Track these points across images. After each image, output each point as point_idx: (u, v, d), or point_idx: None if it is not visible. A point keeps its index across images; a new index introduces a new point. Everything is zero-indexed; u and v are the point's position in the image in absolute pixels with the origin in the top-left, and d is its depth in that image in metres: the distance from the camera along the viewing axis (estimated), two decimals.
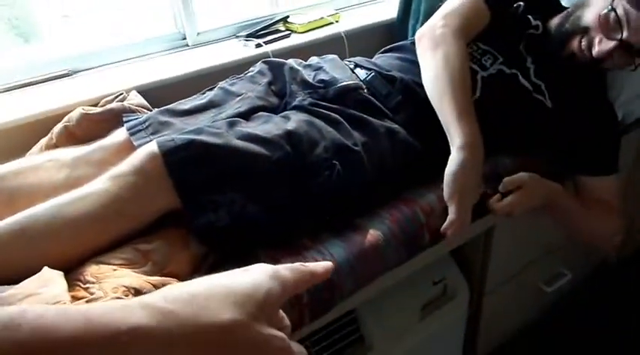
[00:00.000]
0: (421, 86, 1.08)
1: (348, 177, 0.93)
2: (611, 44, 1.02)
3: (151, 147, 0.85)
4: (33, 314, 0.26)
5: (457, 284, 1.27)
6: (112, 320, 0.28)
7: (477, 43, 1.17)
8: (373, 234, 0.92)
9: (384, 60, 1.23)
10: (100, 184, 0.83)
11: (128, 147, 1.00)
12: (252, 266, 0.39)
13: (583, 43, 1.07)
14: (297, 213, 0.91)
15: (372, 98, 1.08)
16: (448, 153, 1.00)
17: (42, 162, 1.00)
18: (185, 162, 0.83)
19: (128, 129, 1.02)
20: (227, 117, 1.02)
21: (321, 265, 0.42)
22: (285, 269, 0.39)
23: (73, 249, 0.80)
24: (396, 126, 1.05)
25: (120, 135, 1.03)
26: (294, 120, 0.95)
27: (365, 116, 1.04)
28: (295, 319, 0.84)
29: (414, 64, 1.14)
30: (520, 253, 1.34)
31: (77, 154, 1.01)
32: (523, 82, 1.13)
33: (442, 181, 0.96)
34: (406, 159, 1.03)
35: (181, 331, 0.30)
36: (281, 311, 0.39)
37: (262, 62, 1.18)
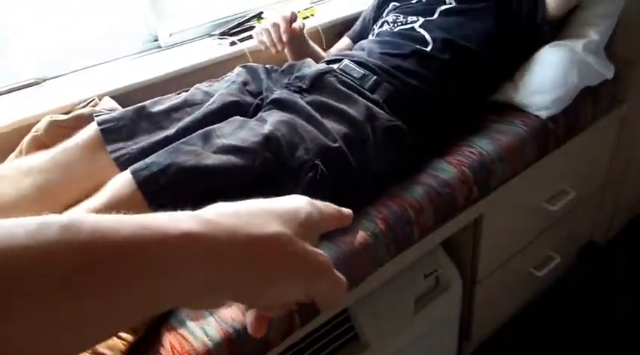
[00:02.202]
0: (396, 67, 1.10)
1: (333, 175, 0.91)
2: None
3: (126, 177, 0.82)
4: (90, 218, 0.27)
5: (449, 274, 1.26)
6: (165, 226, 0.28)
7: None
8: (362, 234, 0.91)
9: (359, 47, 1.25)
10: None
11: (96, 146, 0.97)
12: (289, 195, 0.39)
13: None
14: None
15: (347, 79, 1.08)
16: (432, 129, 1.05)
17: (7, 170, 0.97)
18: (163, 190, 0.80)
19: (99, 123, 0.98)
20: (200, 115, 1.00)
21: (344, 209, 0.43)
22: (319, 202, 0.40)
23: None
24: (375, 106, 1.04)
25: (87, 133, 1.00)
26: (270, 123, 0.92)
27: (345, 91, 1.04)
28: (285, 324, 0.81)
29: (390, 44, 1.16)
30: (509, 240, 1.34)
31: (42, 158, 0.98)
32: None
33: (427, 169, 0.95)
34: (389, 142, 1.02)
35: (229, 240, 0.30)
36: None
37: (240, 66, 1.17)
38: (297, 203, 0.37)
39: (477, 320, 1.39)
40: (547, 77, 1.18)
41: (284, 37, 1.15)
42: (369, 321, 1.09)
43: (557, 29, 1.22)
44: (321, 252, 0.35)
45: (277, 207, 0.35)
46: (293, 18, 1.19)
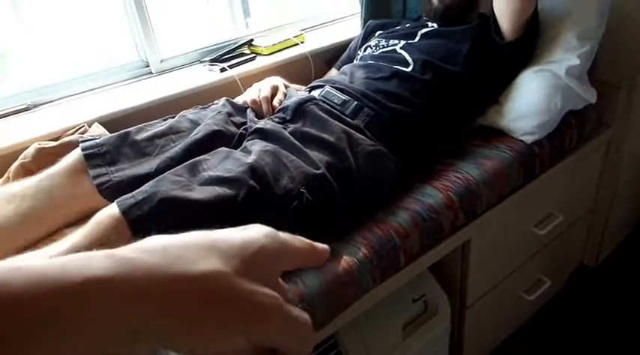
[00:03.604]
0: (378, 90, 1.12)
1: (318, 202, 0.92)
2: None
3: (111, 205, 0.83)
4: None
5: (438, 299, 1.25)
6: (67, 272, 0.25)
7: None
8: (347, 260, 0.91)
9: (342, 72, 1.27)
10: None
11: (79, 171, 0.98)
12: (251, 225, 0.34)
13: None
14: None
15: (328, 106, 1.10)
16: (414, 154, 1.08)
17: None
18: (147, 219, 0.80)
19: (83, 149, 1.00)
20: (185, 146, 1.01)
21: (319, 244, 0.37)
22: (286, 234, 0.35)
23: None
24: (357, 132, 1.05)
25: (70, 158, 1.01)
26: (255, 153, 0.93)
27: (326, 118, 1.05)
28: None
29: (372, 67, 1.19)
30: (498, 264, 1.34)
31: (26, 185, 0.99)
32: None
33: (413, 194, 0.98)
34: (372, 167, 1.03)
35: (148, 281, 0.26)
36: (281, 281, 0.34)
37: (225, 99, 1.18)
38: (251, 235, 0.32)
39: (467, 345, 1.38)
40: (531, 102, 1.20)
41: (266, 115, 1.16)
42: (357, 347, 1.08)
43: (523, 51, 1.24)
44: (268, 291, 0.30)
45: (220, 240, 0.31)
46: (274, 94, 1.20)
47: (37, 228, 0.97)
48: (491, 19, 1.21)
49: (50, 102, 1.35)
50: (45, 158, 1.06)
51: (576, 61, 1.21)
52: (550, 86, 1.20)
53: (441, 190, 1.08)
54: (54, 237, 0.95)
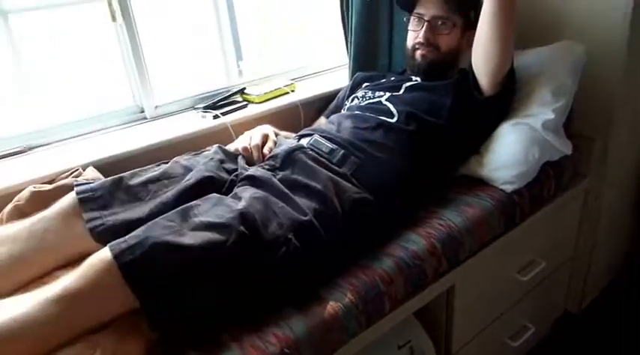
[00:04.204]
0: (364, 140, 1.18)
1: (306, 248, 0.94)
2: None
3: (103, 249, 0.85)
4: None
5: (423, 345, 1.26)
6: None
7: None
8: (333, 305, 0.93)
9: (330, 121, 1.33)
10: (52, 307, 0.80)
11: (73, 215, 1.01)
12: None
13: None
14: (257, 292, 0.91)
15: (316, 154, 1.15)
16: (398, 202, 1.12)
17: None
18: (139, 263, 0.82)
19: (77, 193, 1.02)
20: (177, 191, 1.04)
21: None
22: None
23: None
24: (343, 179, 1.10)
25: (64, 202, 1.03)
26: (245, 199, 0.97)
27: (314, 166, 1.10)
28: None
29: (358, 117, 1.25)
30: (483, 309, 1.36)
31: (18, 227, 1.01)
32: None
33: (397, 240, 1.06)
34: (357, 214, 1.06)
35: None
36: None
37: (217, 146, 1.22)
38: None
39: None
40: (509, 153, 1.26)
41: (256, 162, 1.20)
42: None
43: (501, 105, 1.31)
44: None
45: None
46: (264, 142, 1.25)
47: (28, 270, 0.98)
48: (470, 74, 1.28)
49: (45, 145, 1.38)
50: (39, 201, 1.09)
51: (551, 115, 1.28)
52: (527, 139, 1.26)
53: (424, 237, 1.12)
54: (45, 280, 0.96)
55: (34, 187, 1.12)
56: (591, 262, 1.69)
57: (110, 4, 1.35)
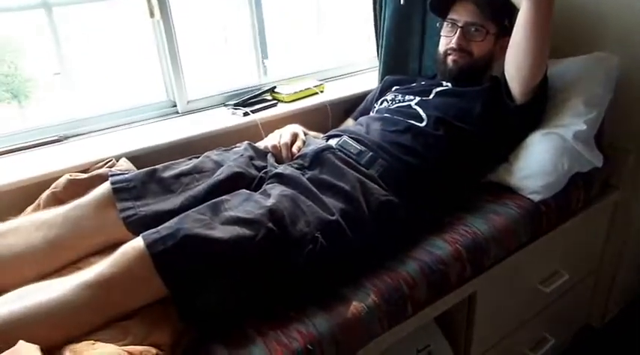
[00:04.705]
0: (392, 143, 1.18)
1: (332, 247, 0.96)
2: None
3: (136, 239, 0.87)
4: None
5: (442, 351, 1.26)
6: None
7: None
8: (357, 306, 0.94)
9: (359, 123, 1.34)
10: (86, 291, 0.83)
11: (107, 204, 1.04)
12: None
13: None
14: (284, 288, 0.92)
15: (345, 155, 1.16)
16: (425, 205, 1.12)
17: (21, 222, 1.03)
18: (170, 253, 0.84)
19: (112, 183, 1.05)
20: (208, 186, 1.06)
21: None
22: None
23: (56, 337, 0.81)
24: (371, 181, 1.10)
25: (99, 191, 1.07)
26: (274, 196, 0.98)
27: (342, 167, 1.11)
28: None
29: (387, 120, 1.26)
30: (504, 319, 1.35)
31: (55, 213, 1.04)
32: None
33: (423, 245, 1.06)
34: (384, 216, 1.07)
35: None
36: None
37: (247, 143, 1.25)
38: None
39: None
40: (538, 163, 1.25)
41: (285, 160, 1.22)
42: None
43: (532, 114, 1.30)
44: None
45: None
46: (293, 140, 1.27)
47: (64, 255, 1.01)
48: (502, 82, 1.28)
49: (81, 135, 1.42)
50: (75, 189, 1.12)
51: (583, 126, 1.27)
52: (557, 148, 1.25)
53: (450, 243, 1.12)
54: (79, 265, 0.99)
55: (70, 175, 1.16)
56: (616, 276, 1.67)
57: (149, 1, 1.38)
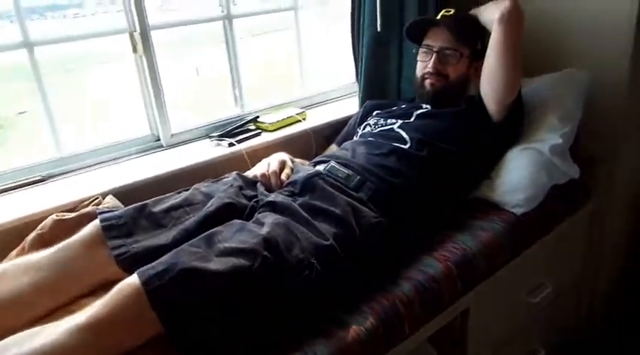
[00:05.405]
0: (378, 165, 1.21)
1: (327, 272, 0.97)
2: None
3: (131, 276, 0.87)
4: None
5: None
6: None
7: None
8: (355, 329, 0.94)
9: (344, 148, 1.37)
10: (82, 334, 0.82)
11: (97, 243, 1.03)
12: None
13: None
14: (282, 316, 0.93)
15: (333, 180, 1.18)
16: (409, 226, 1.16)
17: (6, 267, 1.01)
18: (167, 288, 0.84)
19: (101, 221, 1.04)
20: (199, 218, 1.06)
21: None
22: None
23: None
24: (360, 204, 1.12)
25: (88, 230, 1.05)
26: (268, 225, 0.99)
27: (332, 192, 1.13)
28: None
29: (372, 144, 1.28)
30: (495, 332, 1.37)
31: (42, 256, 1.02)
32: None
33: (414, 264, 1.09)
34: (375, 238, 1.09)
35: None
36: None
37: (236, 173, 1.26)
38: None
39: None
40: (519, 178, 1.30)
41: (275, 188, 1.23)
42: None
43: (509, 131, 1.36)
44: None
45: None
46: (282, 168, 1.28)
47: (54, 298, 0.99)
48: (479, 101, 1.33)
49: (65, 173, 1.41)
50: (62, 229, 1.11)
51: (559, 140, 1.33)
52: (536, 163, 1.30)
53: (441, 261, 1.14)
54: (72, 308, 0.97)
55: (57, 216, 1.15)
56: (597, 285, 1.71)
57: (132, 37, 1.40)
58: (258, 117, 1.65)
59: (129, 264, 0.99)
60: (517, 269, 1.31)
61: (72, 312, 0.94)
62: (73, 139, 1.51)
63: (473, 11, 1.38)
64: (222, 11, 1.62)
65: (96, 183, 1.32)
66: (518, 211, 1.31)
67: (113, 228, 1.04)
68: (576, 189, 1.47)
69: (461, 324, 1.26)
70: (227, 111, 1.71)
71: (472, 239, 1.22)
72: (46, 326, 0.88)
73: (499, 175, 1.34)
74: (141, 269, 0.88)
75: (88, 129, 1.56)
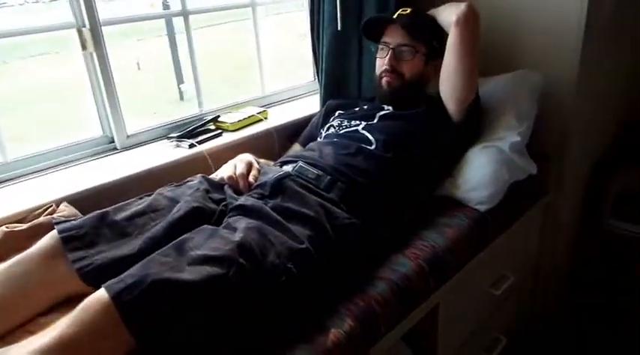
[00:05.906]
0: (347, 165, 1.21)
1: (304, 276, 0.95)
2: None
3: (99, 291, 0.81)
4: None
5: None
6: None
7: None
8: (335, 332, 0.93)
9: (310, 148, 1.36)
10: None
11: (55, 256, 0.96)
12: None
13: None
14: (260, 322, 0.90)
15: (304, 181, 1.16)
16: (380, 226, 1.16)
17: None
18: (138, 302, 0.79)
19: (60, 232, 0.97)
20: (166, 225, 1.02)
21: None
22: None
23: None
24: (332, 205, 1.11)
25: (44, 242, 0.98)
26: (241, 230, 0.95)
27: (303, 193, 1.11)
28: None
29: (338, 144, 1.28)
30: (463, 325, 1.41)
31: None
32: None
33: (387, 263, 1.09)
34: (348, 238, 1.08)
35: None
36: None
37: (201, 176, 1.21)
38: None
39: None
40: (481, 175, 1.33)
41: (243, 191, 1.18)
42: None
43: (469, 130, 1.40)
44: None
45: None
46: (249, 170, 1.24)
47: (7, 318, 0.92)
48: (438, 101, 1.35)
49: (11, 180, 1.30)
50: (13, 242, 1.03)
51: (517, 138, 1.37)
52: (497, 160, 1.34)
53: (412, 259, 1.15)
54: (29, 328, 0.90)
55: (7, 227, 1.06)
56: (551, 274, 1.80)
57: (80, 33, 1.31)
58: (218, 116, 1.60)
59: (93, 277, 0.93)
60: (482, 263, 1.35)
61: (30, 333, 0.87)
62: (16, 142, 1.40)
63: (431, 11, 1.41)
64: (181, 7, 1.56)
65: (46, 190, 1.23)
66: (482, 207, 1.34)
67: (73, 239, 0.97)
68: (533, 183, 1.53)
69: (431, 319, 1.28)
70: (173, 107, 1.64)
71: (440, 236, 1.24)
72: (3, 350, 0.81)
73: (462, 173, 1.37)
74: (108, 283, 0.82)
75: (34, 133, 1.45)
